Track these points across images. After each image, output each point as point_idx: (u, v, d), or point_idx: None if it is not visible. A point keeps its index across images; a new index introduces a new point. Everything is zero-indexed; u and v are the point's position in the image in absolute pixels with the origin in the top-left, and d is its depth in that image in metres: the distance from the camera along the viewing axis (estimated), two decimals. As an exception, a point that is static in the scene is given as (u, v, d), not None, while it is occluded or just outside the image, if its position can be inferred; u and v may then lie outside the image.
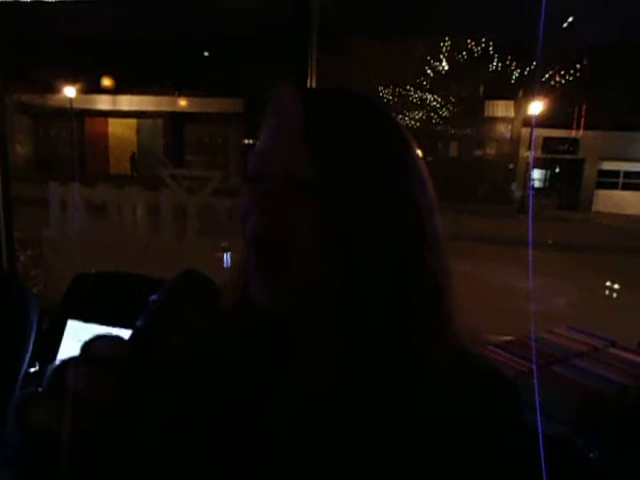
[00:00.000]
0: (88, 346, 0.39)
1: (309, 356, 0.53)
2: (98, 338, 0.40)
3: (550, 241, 8.61)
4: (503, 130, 18.33)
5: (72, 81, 17.32)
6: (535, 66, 13.88)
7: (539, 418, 0.65)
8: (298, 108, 0.49)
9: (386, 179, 0.50)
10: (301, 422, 0.50)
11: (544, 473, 0.56)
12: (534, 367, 1.12)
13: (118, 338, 0.40)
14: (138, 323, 0.42)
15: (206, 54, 19.36)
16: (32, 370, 1.31)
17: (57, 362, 0.39)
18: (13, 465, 0.38)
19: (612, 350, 1.27)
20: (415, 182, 0.52)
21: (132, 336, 0.41)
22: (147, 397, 0.39)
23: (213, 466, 0.51)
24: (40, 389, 0.38)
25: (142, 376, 0.39)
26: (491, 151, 18.57)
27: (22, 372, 1.30)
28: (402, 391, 0.49)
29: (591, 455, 0.94)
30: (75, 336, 1.35)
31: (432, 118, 16.97)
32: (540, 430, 0.60)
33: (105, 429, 0.37)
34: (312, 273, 0.49)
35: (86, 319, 1.35)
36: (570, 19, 14.40)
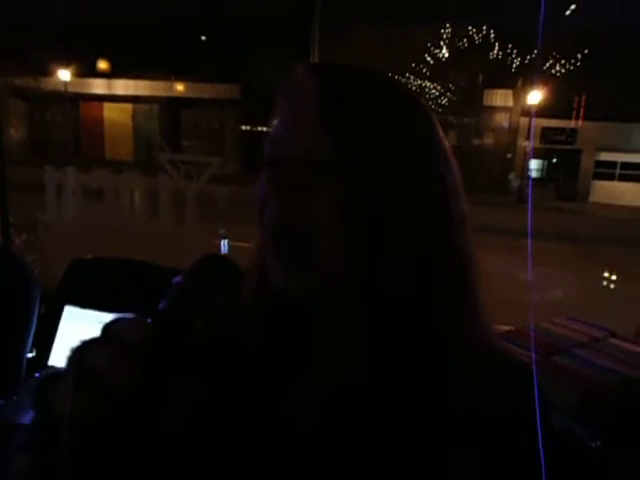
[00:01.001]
0: (109, 327, 0.38)
1: (332, 346, 0.51)
2: (119, 319, 0.38)
3: (548, 231, 8.63)
4: (502, 119, 18.26)
5: (67, 64, 17.09)
6: (536, 54, 13.78)
7: (538, 408, 0.64)
8: (313, 86, 0.47)
9: (410, 157, 0.48)
10: (325, 413, 0.49)
11: (543, 463, 0.56)
12: (533, 357, 1.12)
13: (139, 320, 0.38)
14: (160, 305, 0.41)
15: (203, 38, 19.11)
16: (30, 355, 1.30)
17: (77, 343, 0.37)
18: (31, 450, 0.37)
19: (612, 340, 1.27)
20: (441, 161, 0.50)
21: (154, 319, 0.40)
22: (169, 381, 0.38)
23: (234, 455, 0.49)
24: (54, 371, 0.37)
25: (164, 360, 0.38)
26: (489, 140, 18.52)
27: (25, 354, 1.29)
28: (429, 383, 0.47)
29: (593, 445, 0.94)
30: (72, 322, 1.34)
31: (431, 106, 16.87)
32: (539, 421, 0.60)
33: (126, 413, 0.36)
34: (334, 260, 0.47)
35: (83, 305, 1.34)
36: (572, 7, 14.29)
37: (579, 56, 15.80)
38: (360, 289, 0.48)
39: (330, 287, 0.49)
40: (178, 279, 0.43)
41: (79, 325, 1.33)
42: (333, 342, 0.51)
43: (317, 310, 0.51)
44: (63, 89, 17.75)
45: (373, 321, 0.48)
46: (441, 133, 0.51)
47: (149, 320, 0.40)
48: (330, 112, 0.46)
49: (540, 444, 0.49)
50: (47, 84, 17.09)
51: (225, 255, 0.46)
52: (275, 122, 0.50)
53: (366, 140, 0.46)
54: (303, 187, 0.46)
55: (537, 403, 0.52)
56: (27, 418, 0.38)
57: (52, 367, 1.28)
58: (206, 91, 18.83)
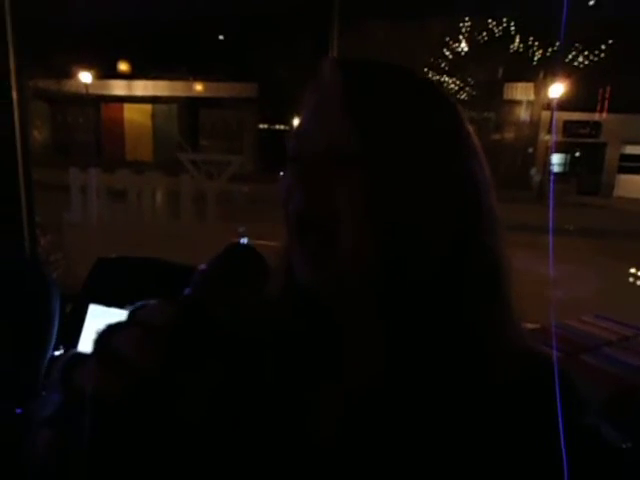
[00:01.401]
0: (135, 312, 0.38)
1: (357, 346, 0.50)
2: (145, 305, 0.39)
3: (571, 227, 8.46)
4: (522, 113, 17.94)
5: (88, 67, 17.39)
6: (558, 46, 13.49)
7: (559, 408, 0.63)
8: (337, 80, 0.47)
9: (437, 151, 0.47)
10: (351, 417, 0.48)
11: (565, 463, 0.54)
12: (555, 355, 1.09)
13: (164, 305, 0.39)
14: (185, 292, 0.41)
15: (221, 38, 19.24)
16: (57, 353, 1.32)
17: (103, 326, 0.38)
18: (54, 425, 0.37)
19: (642, 339, 1.24)
20: (470, 156, 0.49)
21: (178, 304, 0.40)
22: (191, 368, 0.38)
23: (253, 455, 0.49)
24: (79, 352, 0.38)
25: (187, 345, 0.38)
26: (510, 135, 18.21)
27: (47, 358, 1.31)
28: (460, 384, 0.46)
29: (624, 446, 0.92)
30: (97, 319, 1.36)
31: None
32: (561, 421, 0.58)
33: (148, 396, 0.36)
34: (359, 252, 0.46)
35: (107, 303, 1.36)
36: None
37: (603, 47, 15.41)
38: (384, 287, 0.47)
39: (353, 282, 0.48)
40: (203, 266, 0.42)
41: (104, 323, 1.35)
42: (357, 343, 0.50)
43: (340, 309, 0.51)
44: (85, 91, 18.08)
45: (400, 320, 0.47)
46: (470, 129, 0.50)
47: (173, 306, 0.40)
48: (354, 104, 0.45)
49: (570, 445, 0.48)
50: (69, 86, 17.43)
51: (250, 245, 0.45)
52: (301, 118, 0.50)
53: (390, 132, 0.45)
54: (327, 177, 0.46)
55: (570, 401, 0.50)
56: (53, 394, 0.39)
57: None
58: (224, 90, 18.95)
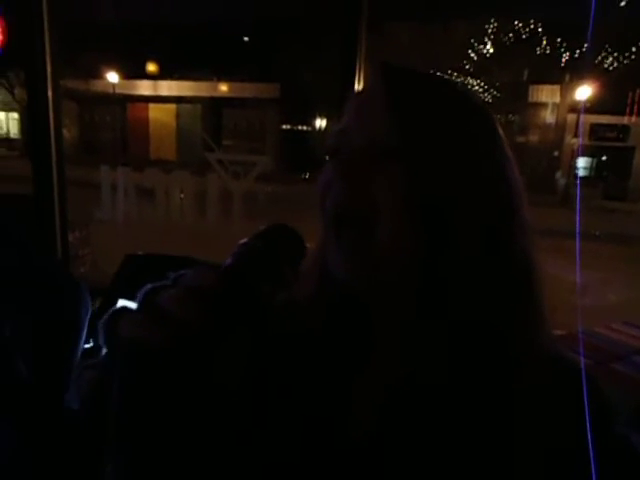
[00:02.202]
0: (179, 276, 0.40)
1: (393, 343, 0.51)
2: (190, 270, 0.40)
3: (597, 233, 8.27)
4: (548, 116, 17.62)
5: (115, 67, 17.73)
6: (586, 48, 13.21)
7: (588, 417, 0.62)
8: (380, 81, 0.48)
9: (474, 152, 0.48)
10: (385, 412, 0.48)
11: (594, 471, 0.54)
12: (585, 362, 1.08)
13: (207, 270, 0.40)
14: (227, 262, 0.41)
15: (246, 39, 19.40)
16: (87, 346, 1.36)
17: (147, 286, 0.40)
18: (98, 368, 0.39)
19: (673, 348, 1.21)
20: (504, 159, 0.50)
21: (220, 271, 0.40)
22: (230, 332, 0.39)
23: (286, 438, 0.49)
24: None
25: (229, 309, 0.38)
26: (535, 138, 17.90)
27: (78, 353, 1.35)
28: (491, 385, 0.46)
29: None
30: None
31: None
32: (589, 427, 0.58)
33: (187, 350, 0.37)
34: (395, 247, 0.47)
35: (135, 298, 1.39)
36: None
37: (634, 49, 15.02)
38: (422, 281, 0.48)
39: (389, 278, 0.49)
40: (244, 240, 0.43)
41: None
42: (395, 339, 0.51)
43: (375, 306, 0.51)
44: (112, 91, 18.44)
45: (432, 318, 0.47)
46: (504, 138, 0.51)
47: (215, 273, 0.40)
48: (396, 102, 0.47)
49: (599, 453, 0.48)
50: (97, 86, 17.80)
51: (289, 226, 0.45)
52: (343, 118, 0.51)
53: (429, 129, 0.47)
54: (367, 171, 0.47)
55: (598, 408, 0.50)
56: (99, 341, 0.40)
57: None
58: (247, 91, 19.11)
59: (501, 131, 0.51)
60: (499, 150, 0.50)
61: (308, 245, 0.54)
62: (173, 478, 0.42)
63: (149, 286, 0.40)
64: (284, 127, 18.50)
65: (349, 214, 0.47)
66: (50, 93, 1.83)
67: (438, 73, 0.55)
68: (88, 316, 1.38)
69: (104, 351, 0.41)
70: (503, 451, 0.45)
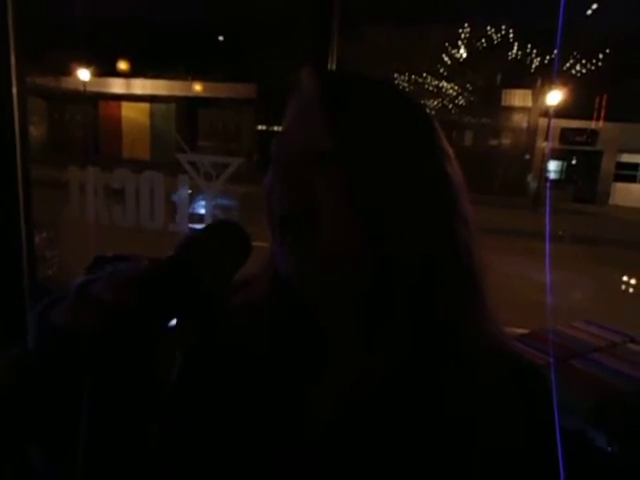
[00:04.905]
0: (116, 267, 0.40)
1: (341, 344, 0.52)
2: (128, 263, 0.41)
3: (565, 234, 8.51)
4: (520, 120, 18.02)
5: (86, 64, 17.35)
6: (555, 54, 13.58)
7: (556, 412, 0.64)
8: (315, 87, 0.50)
9: (409, 148, 0.49)
10: (338, 413, 0.49)
11: (561, 467, 0.55)
12: (551, 360, 1.11)
13: (146, 261, 0.40)
14: (171, 254, 0.42)
15: (221, 39, 19.24)
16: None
17: (82, 277, 0.40)
18: (25, 349, 0.39)
19: (631, 346, 1.25)
20: (442, 158, 0.51)
21: (162, 263, 0.41)
22: (166, 318, 0.39)
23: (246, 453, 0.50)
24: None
25: (164, 296, 0.38)
26: (507, 141, 18.29)
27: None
28: (437, 381, 0.47)
29: (609, 449, 0.93)
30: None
31: (448, 107, 16.73)
32: (558, 424, 0.60)
33: (117, 331, 0.37)
34: (338, 246, 0.48)
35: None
36: (594, 6, 14.04)
37: (601, 56, 15.51)
38: (366, 280, 0.49)
39: (335, 278, 0.50)
40: (189, 233, 0.44)
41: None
42: (342, 340, 0.52)
43: (325, 308, 0.52)
44: (82, 88, 18.03)
45: (378, 316, 0.49)
46: (442, 135, 0.53)
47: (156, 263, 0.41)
48: (330, 105, 0.48)
49: (554, 445, 0.49)
50: (67, 84, 17.37)
51: (237, 223, 0.46)
52: (284, 122, 0.53)
53: (364, 130, 0.48)
54: (306, 174, 0.48)
55: (555, 404, 0.52)
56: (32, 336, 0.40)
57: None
58: (222, 91, 18.95)
59: (440, 130, 0.53)
60: (437, 149, 0.51)
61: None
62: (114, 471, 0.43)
63: (83, 277, 0.40)
64: (260, 128, 18.40)
65: (291, 216, 0.49)
66: (15, 89, 1.77)
67: (413, 75, 0.56)
68: None
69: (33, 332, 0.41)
70: (453, 442, 0.46)
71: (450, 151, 0.53)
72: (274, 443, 0.49)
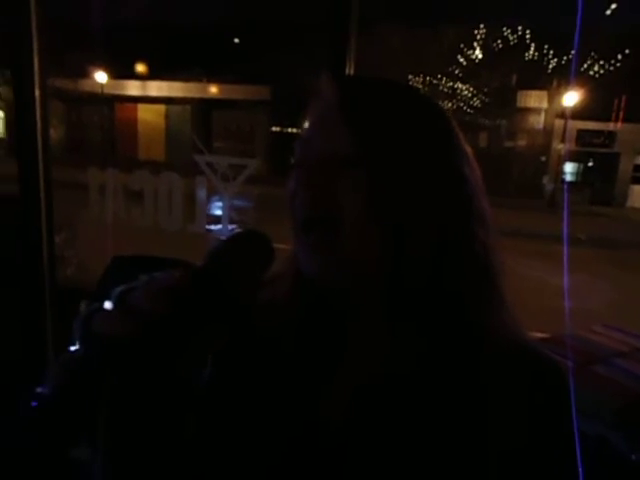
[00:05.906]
0: (152, 277, 0.42)
1: (361, 343, 0.53)
2: (162, 273, 0.42)
3: (583, 237, 8.39)
4: (535, 121, 17.83)
5: (103, 67, 17.60)
6: (573, 55, 13.41)
7: (575, 418, 0.64)
8: (336, 93, 0.51)
9: (428, 151, 0.50)
10: (357, 409, 0.50)
11: (581, 472, 0.55)
12: (570, 365, 1.10)
13: (179, 271, 0.42)
14: (199, 265, 0.44)
15: (236, 41, 19.37)
16: (73, 348, 1.35)
17: (121, 286, 0.42)
18: (70, 361, 0.41)
19: (654, 351, 1.23)
20: (462, 159, 0.52)
21: (192, 272, 0.43)
22: (197, 325, 0.41)
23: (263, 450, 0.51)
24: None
25: (195, 305, 0.41)
26: (522, 143, 18.10)
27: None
28: (458, 375, 0.48)
29: (633, 457, 0.92)
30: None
31: (462, 108, 16.61)
32: (577, 429, 0.59)
33: (156, 341, 0.39)
34: (361, 249, 0.50)
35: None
36: (613, 6, 13.84)
37: (619, 57, 15.27)
38: (387, 279, 0.50)
39: (357, 278, 0.51)
40: (216, 244, 0.45)
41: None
42: (363, 339, 0.53)
43: (346, 306, 0.54)
44: (100, 91, 18.29)
45: (400, 313, 0.50)
46: (461, 135, 0.54)
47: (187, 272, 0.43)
48: (350, 110, 0.50)
49: (573, 441, 0.50)
50: (85, 86, 17.64)
51: (263, 233, 0.47)
52: (304, 127, 0.54)
53: (385, 135, 0.49)
54: (329, 178, 0.49)
55: (572, 402, 0.52)
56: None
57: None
58: (237, 92, 19.06)
59: (459, 132, 0.54)
60: (456, 150, 0.52)
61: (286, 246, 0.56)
62: (150, 468, 0.46)
63: (122, 287, 0.42)
64: (274, 129, 18.48)
65: (315, 218, 0.50)
66: (37, 92, 1.81)
67: (424, 76, 0.57)
68: None
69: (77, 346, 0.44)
70: (470, 441, 0.47)
71: (469, 152, 0.54)
72: (295, 435, 0.51)
